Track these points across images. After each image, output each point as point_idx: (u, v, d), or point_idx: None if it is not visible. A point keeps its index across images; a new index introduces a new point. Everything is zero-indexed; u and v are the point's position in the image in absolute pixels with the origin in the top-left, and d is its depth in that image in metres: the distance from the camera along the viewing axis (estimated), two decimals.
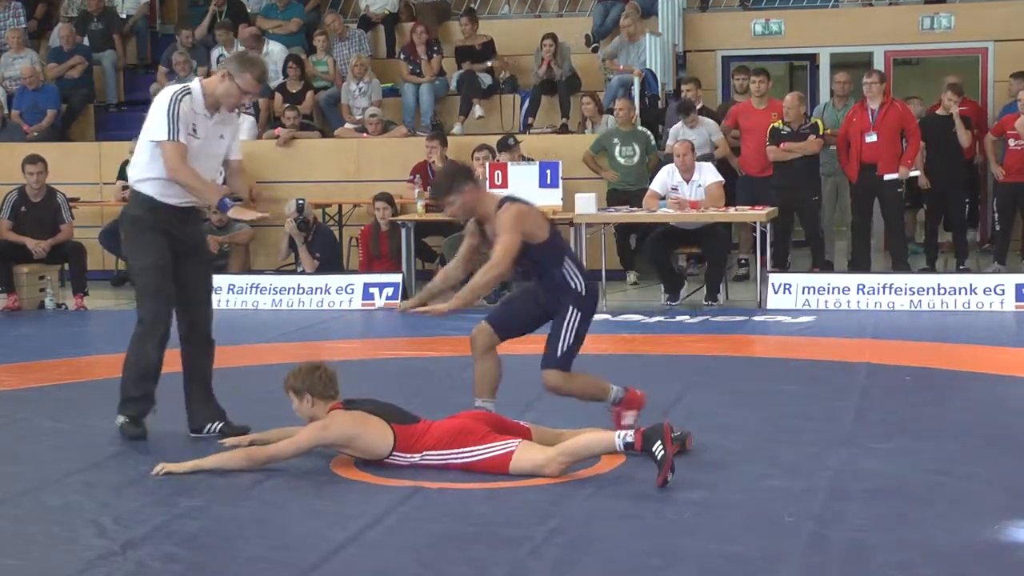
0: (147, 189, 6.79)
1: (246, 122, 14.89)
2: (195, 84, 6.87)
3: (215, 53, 16.34)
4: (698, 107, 13.54)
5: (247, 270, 13.24)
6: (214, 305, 7.10)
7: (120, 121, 16.55)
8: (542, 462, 5.82)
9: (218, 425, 6.89)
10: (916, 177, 13.05)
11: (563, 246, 6.64)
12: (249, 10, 17.20)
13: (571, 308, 6.42)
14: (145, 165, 6.78)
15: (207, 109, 6.77)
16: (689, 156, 11.79)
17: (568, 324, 6.40)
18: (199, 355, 6.94)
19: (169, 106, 6.66)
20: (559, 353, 6.45)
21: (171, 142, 6.64)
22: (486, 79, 15.40)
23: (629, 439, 5.70)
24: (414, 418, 6.14)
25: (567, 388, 6.58)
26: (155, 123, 6.71)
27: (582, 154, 13.47)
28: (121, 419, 6.81)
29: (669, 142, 12.84)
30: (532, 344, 8.20)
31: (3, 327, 11.48)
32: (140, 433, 6.77)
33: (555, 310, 6.50)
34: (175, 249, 6.82)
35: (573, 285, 6.45)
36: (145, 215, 6.79)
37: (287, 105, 15.11)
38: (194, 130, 6.71)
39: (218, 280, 12.54)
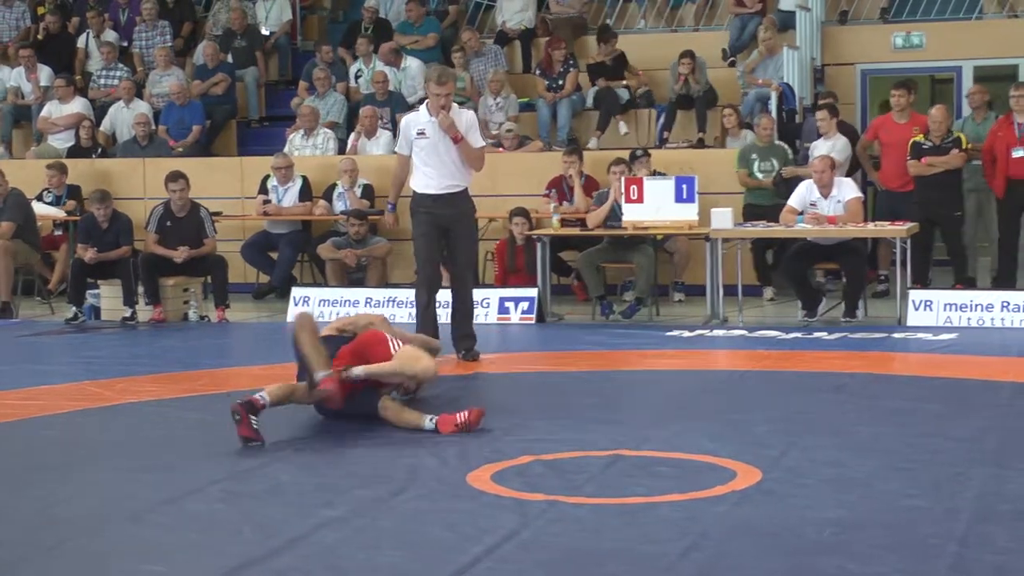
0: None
1: (383, 137, 15.09)
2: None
3: (353, 68, 16.58)
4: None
5: (384, 283, 13.37)
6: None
7: (262, 136, 16.87)
8: None
9: None
10: None
11: None
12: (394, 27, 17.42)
13: None
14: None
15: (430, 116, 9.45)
16: (827, 173, 11.64)
17: None
18: None
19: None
20: None
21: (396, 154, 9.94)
22: (624, 94, 15.40)
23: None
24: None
25: None
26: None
27: (718, 168, 13.40)
28: None
29: (812, 155, 12.64)
30: (673, 359, 8.15)
31: (149, 338, 11.76)
32: None
33: None
34: None
35: None
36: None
37: None
38: (420, 134, 9.48)
39: (356, 293, 12.80)
